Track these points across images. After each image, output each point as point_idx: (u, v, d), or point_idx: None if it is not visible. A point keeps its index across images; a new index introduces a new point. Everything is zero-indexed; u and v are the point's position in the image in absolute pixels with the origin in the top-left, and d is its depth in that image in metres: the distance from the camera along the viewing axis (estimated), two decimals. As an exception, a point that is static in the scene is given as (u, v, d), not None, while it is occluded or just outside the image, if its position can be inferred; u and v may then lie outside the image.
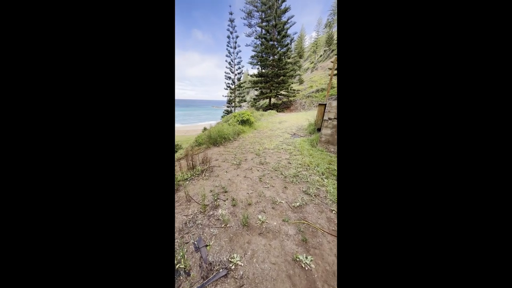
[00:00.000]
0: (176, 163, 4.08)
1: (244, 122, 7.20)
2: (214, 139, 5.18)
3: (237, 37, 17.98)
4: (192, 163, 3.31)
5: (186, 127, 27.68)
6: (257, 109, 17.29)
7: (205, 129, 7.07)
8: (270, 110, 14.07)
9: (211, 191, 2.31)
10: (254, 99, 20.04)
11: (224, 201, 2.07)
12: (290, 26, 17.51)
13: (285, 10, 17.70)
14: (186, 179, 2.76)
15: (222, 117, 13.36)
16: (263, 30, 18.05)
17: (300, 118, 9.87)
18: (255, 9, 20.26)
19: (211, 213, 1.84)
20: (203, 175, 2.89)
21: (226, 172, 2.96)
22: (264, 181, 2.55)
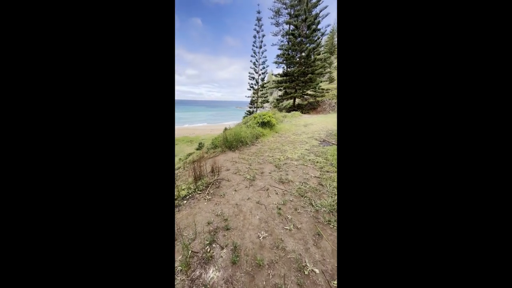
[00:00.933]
0: (189, 167, 3.69)
1: (265, 124, 6.49)
2: (230, 143, 4.65)
3: (263, 36, 17.50)
4: (200, 173, 2.80)
5: (211, 126, 29.89)
6: (280, 110, 16.35)
7: (226, 129, 6.76)
8: (294, 112, 12.94)
9: (208, 223, 1.66)
10: (277, 99, 19.19)
11: (222, 248, 1.37)
12: (322, 19, 15.92)
13: (316, 4, 16.20)
14: (185, 196, 2.22)
15: (243, 117, 13.05)
16: (291, 26, 17.08)
17: (330, 121, 8.50)
18: (284, 6, 19.40)
19: (198, 274, 1.16)
20: (207, 191, 2.29)
21: (235, 191, 2.28)
22: (284, 216, 1.75)
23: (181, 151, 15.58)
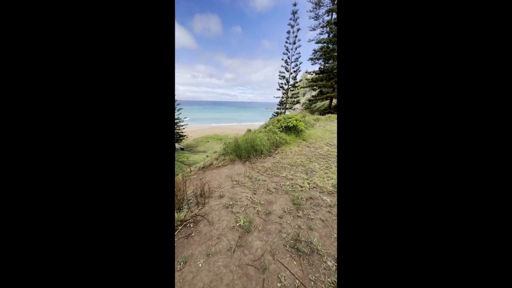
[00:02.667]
0: (187, 178, 3.02)
1: (289, 129, 5.24)
2: (241, 152, 3.73)
3: (298, 30, 15.86)
4: (182, 198, 1.99)
5: (240, 126, 30.78)
6: (312, 112, 14.31)
7: (249, 130, 6.05)
8: (329, 114, 10.80)
9: None
10: (309, 100, 17.11)
11: None
12: None
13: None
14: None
15: (269, 119, 12.04)
16: (334, 14, 14.70)
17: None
18: (326, -6, 17.08)
19: None
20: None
21: (208, 257, 1.28)
22: None
23: (211, 147, 16.22)
